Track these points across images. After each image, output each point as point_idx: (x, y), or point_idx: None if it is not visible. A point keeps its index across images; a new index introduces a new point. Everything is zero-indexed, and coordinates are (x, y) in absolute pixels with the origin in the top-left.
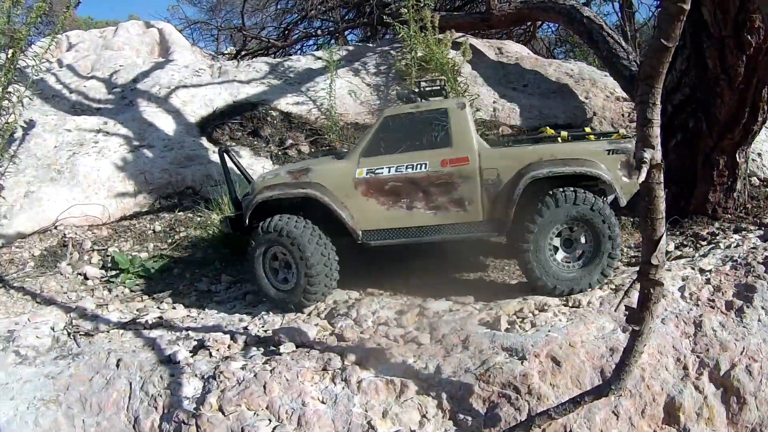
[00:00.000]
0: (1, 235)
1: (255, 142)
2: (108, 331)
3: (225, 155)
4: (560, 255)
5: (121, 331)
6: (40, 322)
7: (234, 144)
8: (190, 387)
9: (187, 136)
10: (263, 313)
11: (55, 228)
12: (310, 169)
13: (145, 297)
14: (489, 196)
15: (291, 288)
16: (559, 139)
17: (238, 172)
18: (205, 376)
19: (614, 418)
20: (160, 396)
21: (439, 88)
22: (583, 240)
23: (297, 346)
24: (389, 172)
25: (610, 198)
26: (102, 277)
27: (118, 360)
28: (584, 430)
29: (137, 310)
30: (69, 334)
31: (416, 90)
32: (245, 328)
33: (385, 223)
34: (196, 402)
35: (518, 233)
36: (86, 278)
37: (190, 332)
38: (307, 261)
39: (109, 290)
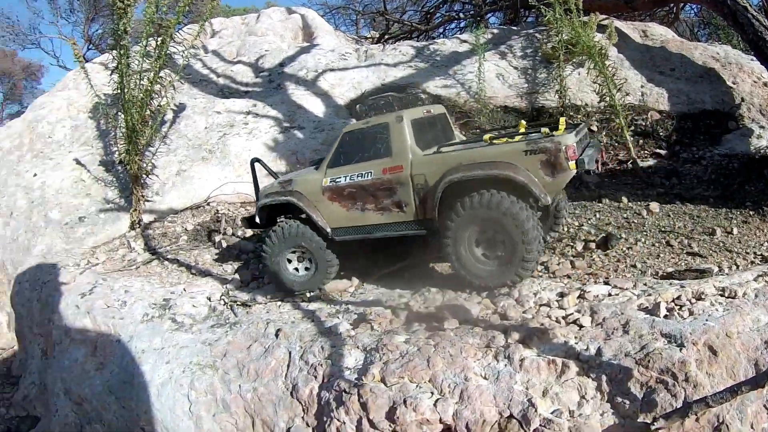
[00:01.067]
0: (154, 211)
1: None
2: (265, 303)
3: (254, 164)
4: (479, 252)
5: (279, 303)
6: (196, 292)
7: None
8: (352, 358)
9: (337, 118)
10: (424, 290)
11: (207, 204)
12: (292, 180)
13: None
14: (420, 198)
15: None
16: (484, 139)
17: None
18: (368, 348)
19: (765, 411)
20: (320, 365)
21: (385, 102)
22: (500, 240)
23: (460, 323)
24: (345, 180)
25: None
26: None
27: (278, 330)
28: (736, 422)
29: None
30: (226, 304)
31: (365, 106)
32: (406, 304)
33: (345, 222)
34: (358, 372)
35: (441, 232)
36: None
37: (350, 306)
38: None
39: None
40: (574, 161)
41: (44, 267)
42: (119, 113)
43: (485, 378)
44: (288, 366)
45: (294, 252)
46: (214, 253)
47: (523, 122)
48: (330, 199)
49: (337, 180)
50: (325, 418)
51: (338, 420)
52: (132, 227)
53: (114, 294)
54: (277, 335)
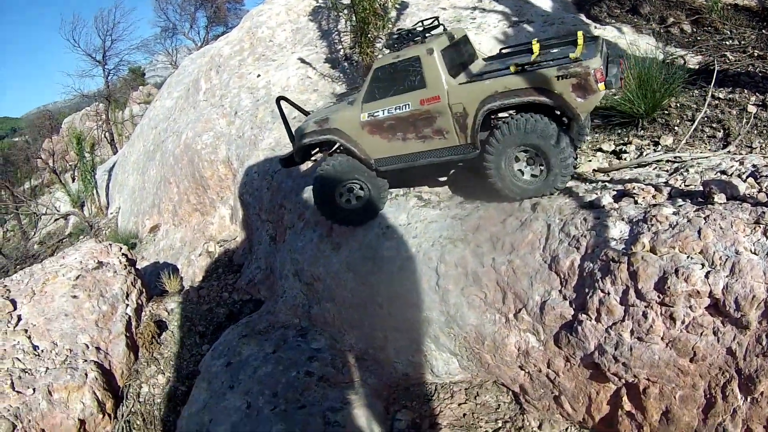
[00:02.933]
0: None
1: (635, 20)
2: None
3: (281, 102)
4: (519, 170)
5: None
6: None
7: (613, 21)
8: (617, 230)
9: (566, 13)
10: (682, 170)
11: None
12: (329, 119)
13: None
14: (459, 124)
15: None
16: (511, 68)
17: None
18: (634, 220)
19: None
20: (583, 237)
21: (414, 32)
22: (539, 159)
23: (728, 199)
24: (384, 114)
25: None
26: None
27: (534, 204)
28: None
29: None
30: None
31: (392, 39)
32: (666, 182)
33: (388, 152)
34: (625, 243)
35: (483, 155)
36: None
37: (607, 184)
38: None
39: None
40: (602, 82)
41: (273, 159)
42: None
43: (755, 253)
44: (546, 239)
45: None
46: None
47: (536, 41)
48: (370, 133)
49: (375, 114)
50: (586, 290)
51: (602, 291)
52: None
53: None
54: (534, 209)
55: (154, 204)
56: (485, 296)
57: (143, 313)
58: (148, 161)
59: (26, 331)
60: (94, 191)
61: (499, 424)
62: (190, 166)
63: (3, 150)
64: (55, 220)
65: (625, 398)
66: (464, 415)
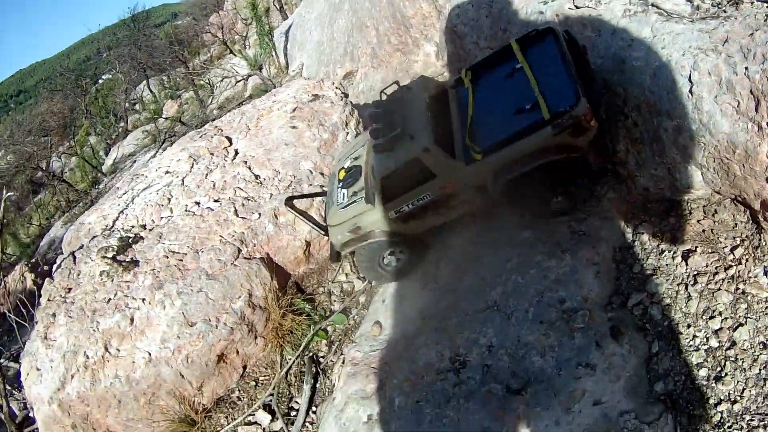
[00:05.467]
0: None
1: None
2: (752, 3)
3: (288, 204)
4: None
5: (765, 4)
6: None
7: None
8: None
9: None
10: None
11: None
12: (360, 226)
13: None
14: (482, 191)
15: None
16: None
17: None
18: None
19: None
20: None
21: (396, 134)
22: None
23: None
24: (409, 207)
25: None
26: None
27: None
28: None
29: None
30: (712, 0)
31: (381, 142)
32: None
33: (426, 227)
34: None
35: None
36: None
37: None
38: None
39: None
40: (593, 120)
41: None
42: None
43: None
44: None
45: None
46: None
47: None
48: (404, 221)
49: (401, 210)
50: None
51: None
52: None
53: None
54: None
55: (346, 52)
56: (738, 104)
57: None
58: (335, 12)
59: (245, 162)
60: (273, 53)
61: (737, 242)
62: (389, 7)
63: (168, 32)
64: (236, 83)
65: None
66: (703, 230)
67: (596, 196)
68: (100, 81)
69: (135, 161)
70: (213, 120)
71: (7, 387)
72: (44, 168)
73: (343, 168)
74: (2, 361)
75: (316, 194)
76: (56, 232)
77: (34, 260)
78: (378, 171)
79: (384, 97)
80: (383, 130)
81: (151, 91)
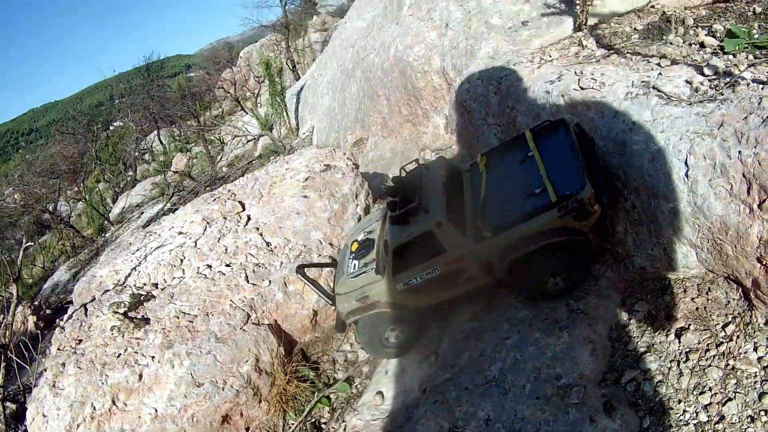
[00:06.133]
0: (596, 14)
1: None
2: (747, 84)
3: (300, 273)
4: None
5: (761, 86)
6: (673, 76)
7: None
8: None
9: None
10: None
11: (651, 7)
12: (368, 296)
13: None
14: (488, 269)
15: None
16: None
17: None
18: None
19: None
20: None
21: (412, 207)
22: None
23: None
24: (417, 280)
25: None
26: (717, 46)
27: None
28: None
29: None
30: (710, 82)
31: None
32: None
33: (433, 302)
34: None
35: None
36: (702, 46)
37: None
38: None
39: (734, 55)
40: (596, 204)
41: (496, 66)
42: None
43: None
44: None
45: None
46: (674, 48)
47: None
48: (411, 294)
49: (410, 282)
50: None
51: None
52: (578, 29)
53: (585, 79)
54: None
55: (357, 119)
56: (731, 187)
57: (370, 212)
58: (347, 79)
59: (257, 229)
60: (284, 113)
61: (729, 319)
62: (401, 78)
63: (181, 84)
64: (246, 143)
65: None
66: (696, 308)
67: (594, 275)
68: (111, 127)
69: (143, 212)
70: (222, 178)
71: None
72: (51, 210)
73: (356, 240)
74: None
75: (327, 264)
76: (60, 276)
77: (36, 303)
78: (391, 241)
79: (404, 174)
80: (400, 204)
81: (161, 142)
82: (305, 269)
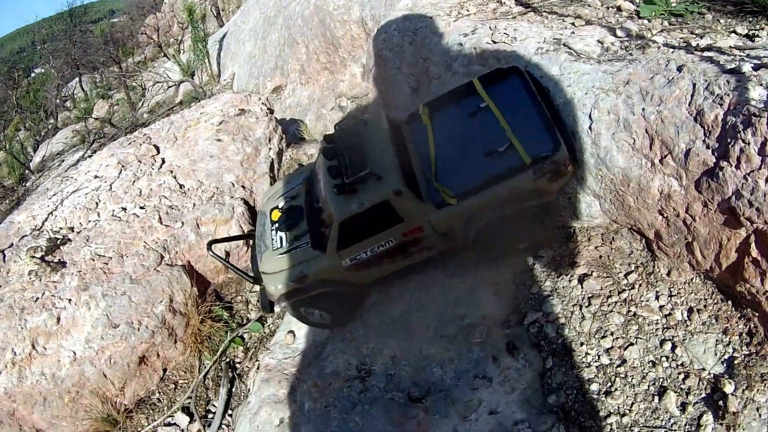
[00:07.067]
0: None
1: None
2: (658, 48)
3: (211, 248)
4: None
5: (671, 50)
6: (585, 35)
7: None
8: (756, 92)
9: None
10: None
11: None
12: (306, 274)
13: (685, 29)
14: (447, 236)
15: None
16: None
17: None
18: None
19: None
20: (726, 95)
21: (363, 175)
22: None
23: None
24: (367, 254)
25: None
26: (634, 11)
27: (680, 65)
28: None
29: (680, 38)
30: (621, 43)
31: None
32: None
33: (380, 275)
34: (764, 104)
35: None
36: (619, 10)
37: (744, 58)
38: None
39: (649, 20)
40: (570, 165)
41: (413, 17)
42: None
43: None
44: (692, 95)
45: None
46: (591, 9)
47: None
48: (356, 270)
49: (358, 257)
50: (728, 140)
51: (743, 141)
52: None
53: (498, 33)
54: (679, 70)
55: (277, 66)
56: (634, 142)
57: (284, 156)
58: (269, 26)
59: (171, 171)
60: (206, 60)
61: (632, 268)
62: (320, 27)
63: (103, 30)
64: (167, 89)
65: (753, 245)
66: (600, 257)
67: None
68: (33, 74)
69: (63, 160)
70: (143, 125)
71: None
72: None
73: (276, 207)
74: None
75: (240, 237)
76: None
77: None
78: (337, 214)
79: (339, 131)
80: (343, 168)
81: (83, 89)
82: (216, 244)
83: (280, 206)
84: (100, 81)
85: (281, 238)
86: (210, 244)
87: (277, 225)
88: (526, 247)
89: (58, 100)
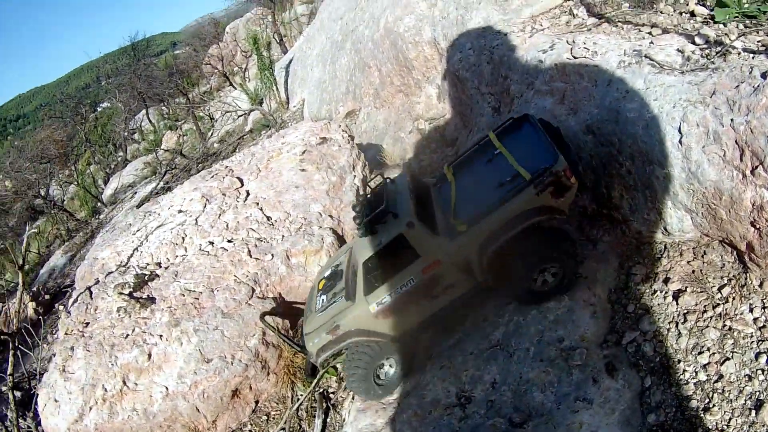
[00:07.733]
0: None
1: None
2: (738, 54)
3: (263, 319)
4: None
5: (751, 55)
6: (664, 44)
7: None
8: None
9: None
10: None
11: None
12: (338, 325)
13: (761, 32)
14: (467, 273)
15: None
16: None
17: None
18: None
19: None
20: None
21: (380, 211)
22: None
23: None
24: (392, 297)
25: None
26: (708, 15)
27: (764, 72)
28: None
29: (758, 42)
30: (701, 51)
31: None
32: None
33: (414, 321)
34: None
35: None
36: (693, 15)
37: None
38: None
39: (724, 24)
40: (573, 176)
41: (487, 35)
42: None
43: None
44: None
45: None
46: (665, 17)
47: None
48: (384, 317)
49: (383, 301)
50: None
51: None
52: None
53: (578, 48)
54: (764, 77)
55: (348, 90)
56: (724, 154)
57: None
58: (337, 51)
59: (257, 204)
60: (274, 87)
61: (725, 281)
62: (392, 49)
63: (168, 62)
64: (237, 118)
65: None
66: (693, 271)
67: (592, 240)
68: (99, 109)
69: (136, 192)
70: (214, 154)
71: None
72: (44, 195)
73: (323, 278)
74: (3, 388)
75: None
76: (56, 261)
77: (34, 289)
78: (360, 255)
79: (368, 191)
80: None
81: (150, 121)
82: (268, 316)
83: (325, 275)
84: (167, 112)
85: (323, 300)
86: (263, 315)
87: (321, 291)
88: (553, 281)
89: (126, 133)
